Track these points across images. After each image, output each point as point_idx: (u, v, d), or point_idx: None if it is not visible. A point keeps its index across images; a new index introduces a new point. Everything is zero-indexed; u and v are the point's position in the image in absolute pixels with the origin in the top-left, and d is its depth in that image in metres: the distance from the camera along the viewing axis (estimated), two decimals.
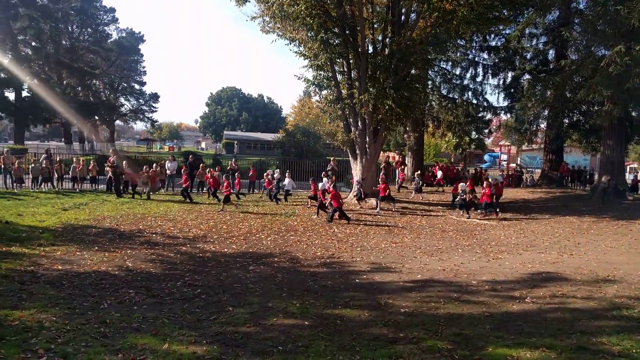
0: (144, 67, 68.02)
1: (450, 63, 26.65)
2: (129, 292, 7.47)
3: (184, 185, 19.00)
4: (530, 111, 24.21)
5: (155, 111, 68.73)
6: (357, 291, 8.04)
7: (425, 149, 35.79)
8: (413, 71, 19.71)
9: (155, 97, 67.59)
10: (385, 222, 15.53)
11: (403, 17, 19.61)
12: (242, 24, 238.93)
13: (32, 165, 20.32)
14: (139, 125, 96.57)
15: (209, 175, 19.76)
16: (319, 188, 17.92)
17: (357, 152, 19.77)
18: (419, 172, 23.36)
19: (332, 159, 24.25)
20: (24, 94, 42.79)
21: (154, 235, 12.47)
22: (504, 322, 6.41)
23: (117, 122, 74.51)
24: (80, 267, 8.85)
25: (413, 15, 20.04)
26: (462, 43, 25.56)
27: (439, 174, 24.74)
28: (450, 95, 27.65)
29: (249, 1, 19.13)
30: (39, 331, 5.39)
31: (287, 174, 20.56)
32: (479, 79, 27.42)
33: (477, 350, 5.32)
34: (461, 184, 17.50)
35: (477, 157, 54.98)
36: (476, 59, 27.65)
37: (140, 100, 67.61)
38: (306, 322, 6.29)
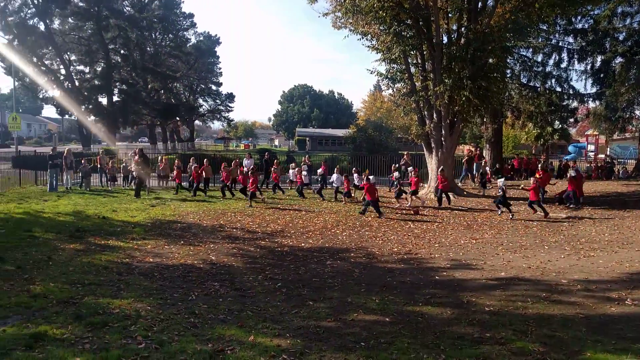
0: (220, 69, 70.92)
1: (531, 50, 25.16)
2: (214, 284, 7.82)
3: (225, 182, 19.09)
4: (623, 97, 22.31)
5: (231, 110, 71.48)
6: (438, 288, 7.84)
7: (503, 141, 34.15)
8: (491, 60, 18.84)
9: (231, 97, 70.22)
10: (462, 218, 15.01)
11: (480, 4, 18.81)
12: (312, 21, 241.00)
13: (123, 164, 21.89)
14: (216, 125, 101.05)
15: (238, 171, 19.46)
16: (356, 182, 18.65)
17: (433, 145, 19.28)
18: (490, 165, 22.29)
19: (405, 153, 23.87)
20: (115, 98, 46.15)
21: (234, 230, 12.95)
22: (602, 325, 5.95)
23: (196, 122, 78.22)
24: (169, 260, 9.40)
25: (490, 2, 19.16)
26: (544, 28, 24.04)
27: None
28: (531, 84, 26.13)
29: None
30: (136, 319, 5.79)
31: (336, 169, 19.82)
32: (563, 65, 25.66)
33: (573, 354, 4.97)
34: (500, 179, 16.06)
35: (560, 149, 51.61)
36: (560, 44, 25.89)
37: (217, 101, 70.59)
38: (387, 319, 6.23)
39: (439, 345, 5.24)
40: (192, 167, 20.15)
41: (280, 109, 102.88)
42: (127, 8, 48.17)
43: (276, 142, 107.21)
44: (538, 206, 15.03)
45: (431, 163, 19.67)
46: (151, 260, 9.32)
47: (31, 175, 21.36)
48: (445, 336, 5.54)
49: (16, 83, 39.44)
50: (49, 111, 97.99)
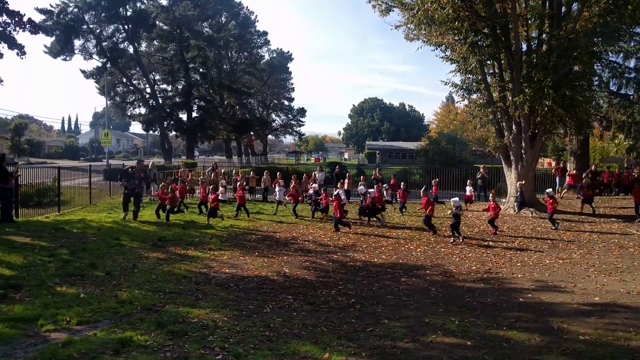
0: (292, 84, 72.69)
1: (622, 54, 23.31)
2: (287, 297, 7.83)
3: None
4: None
5: (303, 125, 72.90)
6: (523, 312, 7.30)
7: (589, 154, 31.79)
8: (576, 67, 17.65)
9: (302, 111, 71.67)
10: (547, 236, 14.04)
11: (564, 9, 17.74)
12: (382, 34, 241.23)
13: (202, 177, 22.86)
14: (288, 139, 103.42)
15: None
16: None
17: (512, 158, 18.32)
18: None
19: (482, 166, 22.89)
20: (194, 114, 48.69)
21: (306, 242, 13.00)
22: None
23: (269, 136, 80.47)
24: (244, 271, 9.57)
25: (575, 6, 18.01)
26: (638, 30, 22.19)
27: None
28: (622, 92, 24.15)
29: (393, 10, 19.09)
30: (214, 329, 5.89)
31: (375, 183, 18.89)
32: None
33: None
34: (454, 199, 13.88)
35: None
36: None
37: (289, 115, 72.30)
38: (468, 342, 5.87)
39: None
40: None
41: (350, 123, 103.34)
42: (206, 29, 50.85)
43: (346, 156, 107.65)
44: None
45: (510, 177, 18.68)
46: (227, 271, 9.53)
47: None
48: None
49: (108, 102, 42.82)
50: (135, 127, 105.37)
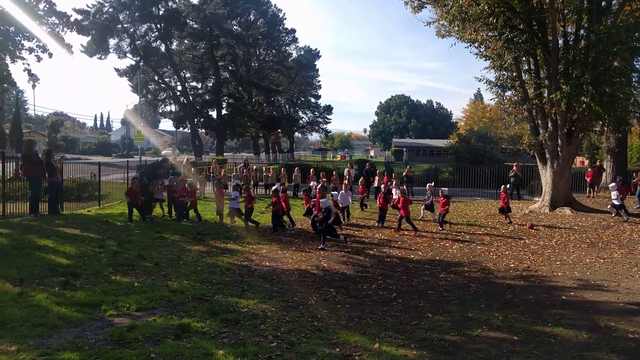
0: (319, 82, 72.89)
1: None
2: (329, 290, 7.99)
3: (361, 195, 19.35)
4: None
5: (329, 122, 72.97)
6: (567, 309, 7.28)
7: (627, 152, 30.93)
8: (615, 63, 17.23)
9: (328, 109, 71.76)
10: (584, 235, 13.81)
11: (603, 3, 17.34)
12: (410, 31, 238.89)
13: (234, 173, 23.27)
14: (313, 136, 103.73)
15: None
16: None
17: (547, 156, 18.01)
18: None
19: (514, 164, 22.59)
20: (223, 112, 49.42)
21: (397, 235, 13.13)
22: None
23: (296, 133, 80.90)
24: (284, 265, 9.78)
25: (614, 0, 17.57)
26: None
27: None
28: None
29: (425, 7, 19.01)
30: (264, 319, 6.10)
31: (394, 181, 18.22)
32: None
33: None
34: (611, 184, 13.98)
35: None
36: None
37: (316, 113, 72.49)
38: (515, 337, 5.92)
39: None
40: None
41: (376, 120, 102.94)
42: (235, 27, 51.48)
43: (372, 153, 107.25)
44: None
45: (545, 175, 18.38)
46: (267, 264, 9.77)
47: None
48: None
49: (141, 99, 43.85)
50: (164, 124, 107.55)
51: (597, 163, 24.64)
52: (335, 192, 15.34)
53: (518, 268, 10.15)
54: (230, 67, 50.33)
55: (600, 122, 19.59)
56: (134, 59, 44.03)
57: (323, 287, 8.17)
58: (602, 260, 10.83)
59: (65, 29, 13.85)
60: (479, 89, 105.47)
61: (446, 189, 15.65)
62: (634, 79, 21.21)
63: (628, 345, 5.66)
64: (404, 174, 23.98)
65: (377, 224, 15.20)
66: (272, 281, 8.41)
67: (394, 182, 18.68)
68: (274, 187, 15.70)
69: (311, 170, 21.11)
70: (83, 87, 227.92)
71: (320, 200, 12.70)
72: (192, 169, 21.56)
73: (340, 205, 15.02)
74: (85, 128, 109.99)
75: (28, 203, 12.75)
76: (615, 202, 15.93)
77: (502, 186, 16.80)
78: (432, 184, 18.89)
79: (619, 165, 24.63)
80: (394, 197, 16.57)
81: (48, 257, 8.34)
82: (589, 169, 17.98)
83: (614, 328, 6.36)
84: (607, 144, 25.05)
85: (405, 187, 18.18)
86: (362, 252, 11.53)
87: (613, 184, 16.59)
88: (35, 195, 12.61)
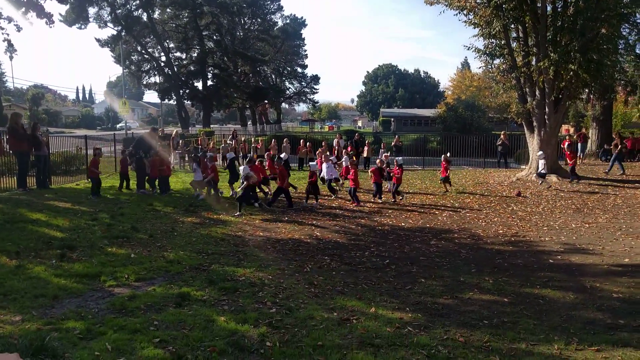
0: (305, 51, 71.75)
1: None
2: (324, 258, 8.14)
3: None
4: None
5: (316, 92, 72.34)
6: (554, 272, 7.53)
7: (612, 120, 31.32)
8: (603, 30, 17.26)
9: (315, 79, 71.01)
10: (570, 201, 14.12)
11: None
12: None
13: (222, 145, 23.11)
14: (300, 107, 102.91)
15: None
16: (312, 168, 14.10)
17: (535, 124, 18.19)
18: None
19: (502, 133, 22.79)
20: (209, 82, 48.62)
21: (332, 208, 13.27)
22: None
23: (283, 104, 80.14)
24: (277, 235, 9.89)
25: None
26: None
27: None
28: None
29: None
30: (262, 287, 6.22)
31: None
32: None
33: None
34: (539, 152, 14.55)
35: None
36: None
37: (303, 83, 71.73)
38: (505, 299, 6.13)
39: (567, 328, 5.08)
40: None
41: (364, 90, 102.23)
42: None
43: (359, 124, 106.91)
44: None
45: (532, 143, 18.60)
46: (261, 234, 9.86)
47: None
48: (573, 320, 5.36)
49: (124, 71, 42.92)
50: (148, 96, 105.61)
51: (582, 131, 24.98)
52: (313, 163, 14.82)
53: (507, 234, 10.40)
54: (214, 37, 49.24)
55: (587, 90, 19.75)
56: (116, 28, 42.79)
57: (317, 255, 8.31)
58: (587, 225, 11.13)
59: None
60: (466, 57, 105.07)
61: (401, 158, 15.82)
62: (620, 46, 21.35)
63: (612, 304, 5.91)
64: (393, 143, 24.09)
65: (373, 197, 14.45)
66: (267, 250, 8.52)
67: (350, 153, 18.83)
68: (282, 156, 15.71)
69: (301, 141, 21.02)
70: (63, 58, 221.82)
71: (241, 167, 12.63)
72: (181, 141, 21.37)
73: (326, 177, 14.95)
74: (67, 101, 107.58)
75: (16, 177, 12.61)
76: (542, 171, 16.13)
77: (443, 155, 16.34)
78: (388, 153, 19.27)
79: (604, 132, 25.03)
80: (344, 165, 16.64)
81: (42, 230, 8.33)
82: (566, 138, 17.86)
83: (599, 288, 6.62)
84: (592, 112, 25.36)
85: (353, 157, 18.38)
86: (354, 221, 11.68)
87: (541, 152, 16.75)
88: (22, 170, 12.47)
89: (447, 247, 9.30)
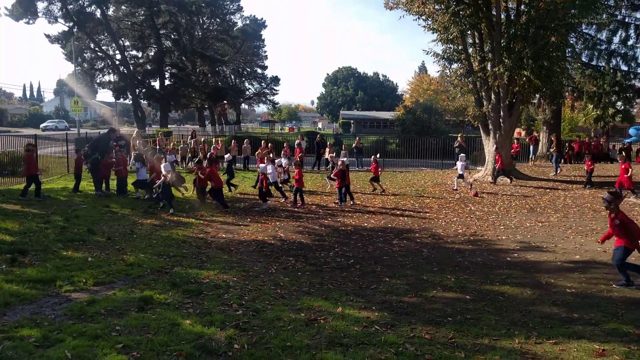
0: (265, 52, 71.22)
1: (594, 27, 23.92)
2: (289, 259, 8.10)
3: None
4: None
5: (276, 94, 71.81)
6: (512, 269, 7.81)
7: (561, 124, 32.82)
8: (553, 39, 18.11)
9: (275, 80, 70.55)
10: (524, 201, 14.68)
11: None
12: (356, 2, 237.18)
13: (181, 145, 22.63)
14: (260, 108, 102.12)
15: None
16: (262, 171, 13.79)
17: (490, 127, 18.83)
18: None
19: (459, 135, 23.43)
20: (166, 82, 47.44)
21: (295, 209, 13.22)
22: None
23: (242, 105, 79.27)
24: (240, 236, 9.77)
25: None
26: (610, 3, 22.81)
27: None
28: (593, 63, 24.92)
29: None
30: (227, 289, 6.12)
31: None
32: (630, 42, 24.28)
33: None
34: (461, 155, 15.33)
35: (619, 131, 49.02)
36: (627, 20, 24.46)
37: (263, 84, 71.13)
38: (467, 296, 6.30)
39: (527, 323, 5.26)
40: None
41: (324, 92, 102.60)
42: None
43: (319, 125, 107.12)
44: None
45: (488, 145, 19.24)
46: (224, 235, 9.71)
47: None
48: (532, 315, 5.56)
49: (76, 68, 41.21)
50: (102, 95, 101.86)
51: (534, 134, 26.05)
52: (262, 165, 14.32)
53: (466, 233, 10.69)
54: (172, 36, 48.08)
55: (538, 95, 20.62)
56: (67, 24, 40.98)
57: (282, 257, 8.26)
58: (540, 224, 11.60)
59: None
60: (423, 61, 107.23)
61: (346, 159, 16.09)
62: (567, 54, 22.42)
63: (566, 299, 6.18)
64: (354, 145, 24.28)
65: (340, 204, 13.66)
66: (231, 252, 8.39)
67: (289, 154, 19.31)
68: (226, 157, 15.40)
69: (262, 142, 20.87)
70: (8, 54, 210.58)
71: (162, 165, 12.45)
72: (140, 140, 20.74)
73: (270, 180, 14.25)
74: (12, 98, 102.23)
75: None
76: (460, 172, 16.43)
77: (373, 156, 16.79)
78: (334, 154, 19.77)
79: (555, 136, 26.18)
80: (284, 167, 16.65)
81: None
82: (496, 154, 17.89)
83: (554, 284, 6.91)
84: (543, 116, 26.48)
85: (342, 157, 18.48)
86: (317, 222, 11.69)
87: (462, 154, 17.26)
88: None
89: (409, 246, 9.46)
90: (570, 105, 29.18)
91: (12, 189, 13.62)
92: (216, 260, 7.64)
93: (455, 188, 16.61)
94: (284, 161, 17.49)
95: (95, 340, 4.10)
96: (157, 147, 22.95)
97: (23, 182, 14.81)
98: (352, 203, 13.98)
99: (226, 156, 18.32)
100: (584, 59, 25.06)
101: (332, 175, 14.83)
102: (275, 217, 11.98)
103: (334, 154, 20.12)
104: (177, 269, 6.88)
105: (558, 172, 19.64)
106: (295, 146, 22.76)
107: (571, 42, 23.48)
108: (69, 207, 11.26)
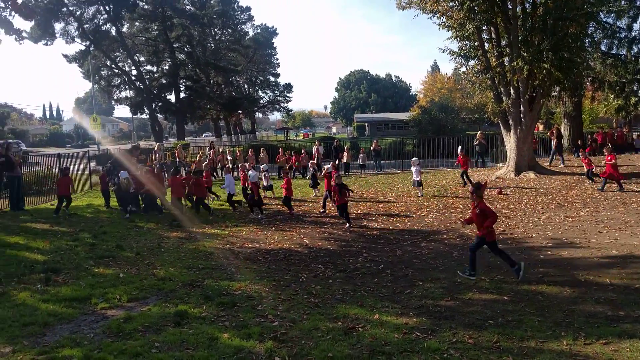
0: (277, 60, 71.67)
1: (613, 14, 23.43)
2: (318, 266, 8.02)
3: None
4: None
5: (290, 101, 72.12)
6: (547, 267, 7.60)
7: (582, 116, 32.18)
8: (571, 29, 17.77)
9: (288, 87, 70.85)
10: (550, 197, 14.37)
11: None
12: (364, 4, 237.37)
13: (201, 156, 22.76)
14: (274, 116, 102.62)
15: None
16: (251, 179, 13.28)
17: (511, 123, 18.53)
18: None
19: (479, 132, 23.14)
20: (181, 95, 48.01)
21: (318, 215, 13.15)
22: None
23: (257, 114, 79.76)
24: (267, 245, 9.72)
25: None
26: None
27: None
28: (613, 52, 24.38)
29: None
30: (260, 300, 6.07)
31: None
32: None
33: None
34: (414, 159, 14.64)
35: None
36: None
37: (276, 92, 71.49)
38: (505, 298, 6.13)
39: (572, 323, 5.09)
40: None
41: (337, 96, 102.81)
42: (188, 6, 49.66)
43: (334, 130, 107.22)
44: None
45: (509, 141, 18.92)
46: (250, 245, 9.68)
47: None
48: (576, 314, 5.38)
49: (94, 86, 42.02)
50: (119, 111, 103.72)
51: (554, 128, 25.56)
52: (252, 173, 13.71)
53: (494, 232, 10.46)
54: (186, 49, 48.74)
55: (558, 88, 20.24)
56: (84, 43, 41.88)
57: (310, 264, 8.19)
58: (570, 220, 11.32)
59: (13, 12, 12.96)
60: (435, 60, 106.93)
61: (329, 166, 15.71)
62: (586, 44, 21.99)
63: (609, 296, 5.97)
64: (372, 148, 24.17)
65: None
66: (259, 262, 8.35)
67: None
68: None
69: (280, 150, 20.91)
70: (28, 75, 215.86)
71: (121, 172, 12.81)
72: (160, 153, 20.98)
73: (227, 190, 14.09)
74: (33, 119, 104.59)
75: None
76: (415, 179, 15.46)
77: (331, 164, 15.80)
78: (315, 161, 19.69)
79: (575, 128, 25.70)
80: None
81: (21, 254, 7.97)
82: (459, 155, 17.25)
83: (594, 281, 6.69)
84: (563, 109, 25.99)
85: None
86: (341, 227, 11.59)
87: (415, 158, 16.79)
88: None
89: (438, 248, 9.30)
90: (591, 97, 28.50)
91: (40, 208, 13.86)
92: (246, 271, 7.60)
93: (420, 195, 15.36)
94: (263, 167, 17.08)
95: (136, 358, 4.09)
96: (177, 159, 23.18)
97: (49, 201, 15.12)
98: (322, 212, 13.44)
99: (263, 166, 17.70)
100: (603, 48, 24.57)
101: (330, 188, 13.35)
102: (299, 225, 11.92)
103: (315, 160, 19.88)
104: (208, 282, 6.86)
105: (552, 163, 19.53)
106: (313, 152, 22.75)
107: (590, 31, 23.14)
108: (95, 223, 11.39)
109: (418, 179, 15.49)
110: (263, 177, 15.46)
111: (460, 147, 17.49)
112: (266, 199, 15.40)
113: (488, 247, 7.31)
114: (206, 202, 13.97)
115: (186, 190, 13.81)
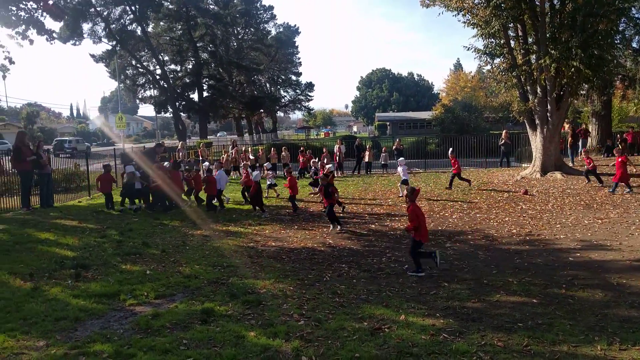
0: (299, 59, 71.76)
1: None
2: (341, 266, 7.99)
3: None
4: None
5: (311, 100, 72.11)
6: (577, 270, 7.41)
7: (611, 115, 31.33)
8: (601, 26, 17.31)
9: (310, 86, 70.87)
10: (578, 197, 14.04)
11: None
12: (385, 3, 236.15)
13: (224, 155, 22.96)
14: (296, 115, 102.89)
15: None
16: (254, 178, 13.31)
17: (537, 122, 18.17)
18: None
19: (504, 131, 22.76)
20: (204, 94, 48.53)
21: (340, 214, 13.10)
22: None
23: (278, 113, 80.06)
24: (290, 244, 9.74)
25: None
26: None
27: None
28: None
29: None
30: (285, 298, 6.08)
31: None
32: None
33: None
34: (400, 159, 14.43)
35: None
36: None
37: (297, 91, 71.63)
38: (534, 300, 6.01)
39: (605, 328, 4.96)
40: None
41: (358, 95, 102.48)
42: (211, 6, 50.12)
43: (355, 129, 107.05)
44: None
45: (535, 141, 18.57)
46: (274, 244, 9.71)
47: None
48: (609, 319, 5.24)
49: (119, 85, 42.82)
50: (143, 110, 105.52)
51: (582, 127, 24.99)
52: (256, 172, 13.85)
53: (520, 233, 10.28)
54: (209, 48, 49.22)
55: (587, 86, 19.76)
56: (110, 43, 42.70)
57: (334, 264, 8.17)
58: (600, 221, 11.03)
59: (44, 13, 13.29)
60: (458, 58, 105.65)
61: (330, 165, 15.61)
62: (617, 41, 21.38)
63: None
64: (394, 147, 23.99)
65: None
66: (283, 261, 8.37)
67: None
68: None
69: (300, 148, 20.94)
70: (57, 75, 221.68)
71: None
72: (184, 152, 21.26)
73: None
74: (61, 118, 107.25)
75: (19, 197, 12.44)
76: (403, 177, 15.28)
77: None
78: (316, 160, 19.62)
79: (604, 127, 25.06)
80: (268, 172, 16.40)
81: (52, 250, 8.17)
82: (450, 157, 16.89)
83: (627, 285, 6.51)
84: (592, 107, 25.36)
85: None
86: (364, 226, 11.54)
87: (402, 158, 16.53)
88: (26, 189, 12.30)
89: (463, 249, 9.17)
90: (621, 95, 27.73)
91: (68, 205, 14.17)
92: (270, 270, 7.62)
93: (401, 195, 14.88)
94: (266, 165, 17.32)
95: (165, 355, 4.13)
96: (200, 157, 23.44)
97: (77, 198, 15.47)
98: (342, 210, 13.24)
99: (266, 164, 18.42)
100: (635, 45, 23.87)
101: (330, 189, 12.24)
102: (321, 224, 11.89)
103: (317, 159, 19.83)
104: (233, 280, 6.91)
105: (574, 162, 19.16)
106: (335, 151, 22.71)
107: (621, 27, 22.50)
108: (122, 221, 11.60)
109: (406, 177, 15.41)
110: (266, 176, 15.74)
111: (451, 149, 17.46)
112: (269, 199, 15.51)
113: (411, 245, 7.62)
114: (214, 201, 13.99)
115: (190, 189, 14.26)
